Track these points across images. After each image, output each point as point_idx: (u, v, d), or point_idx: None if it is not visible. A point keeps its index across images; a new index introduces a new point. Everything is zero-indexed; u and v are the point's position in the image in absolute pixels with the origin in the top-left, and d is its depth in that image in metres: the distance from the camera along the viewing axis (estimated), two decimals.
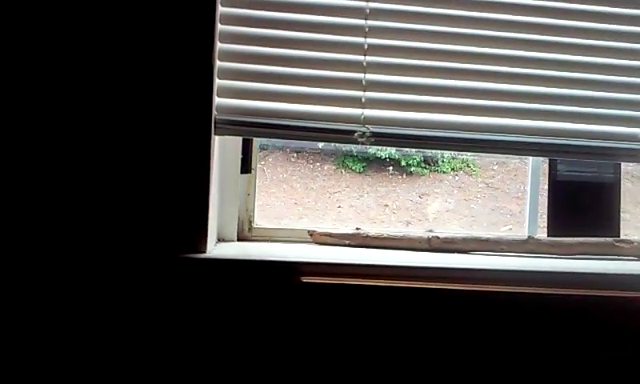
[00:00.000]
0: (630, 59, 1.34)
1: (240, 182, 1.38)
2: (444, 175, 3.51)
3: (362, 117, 1.27)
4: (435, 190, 3.47)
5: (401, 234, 1.39)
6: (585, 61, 1.33)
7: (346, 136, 1.28)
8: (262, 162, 3.43)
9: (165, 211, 1.18)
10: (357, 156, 3.26)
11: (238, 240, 1.37)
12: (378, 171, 3.44)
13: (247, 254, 1.22)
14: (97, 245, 1.17)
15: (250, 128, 1.26)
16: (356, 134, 1.27)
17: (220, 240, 1.35)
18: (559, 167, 1.46)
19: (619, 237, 1.43)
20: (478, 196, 3.49)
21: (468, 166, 3.42)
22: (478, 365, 1.23)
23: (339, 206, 3.33)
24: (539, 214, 1.54)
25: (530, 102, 1.32)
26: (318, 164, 3.48)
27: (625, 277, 1.28)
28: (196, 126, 1.19)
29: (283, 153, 3.46)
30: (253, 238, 1.40)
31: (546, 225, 1.51)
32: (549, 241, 1.38)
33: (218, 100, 1.23)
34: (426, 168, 3.37)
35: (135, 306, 1.17)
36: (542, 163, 1.52)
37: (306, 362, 1.20)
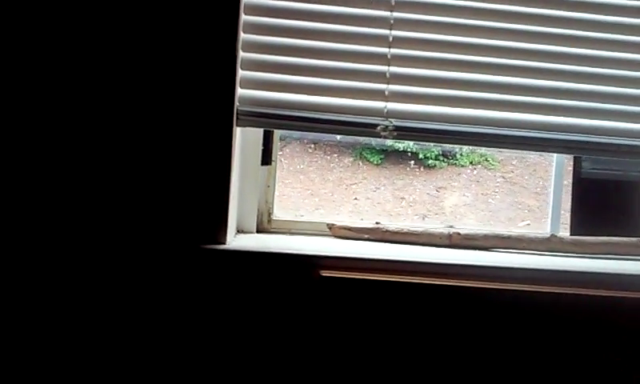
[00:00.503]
0: None
1: (260, 173, 1.37)
2: (462, 168, 3.48)
3: (386, 110, 1.26)
4: (453, 184, 3.45)
5: (421, 230, 1.38)
6: (611, 56, 1.30)
7: (368, 129, 1.27)
8: (280, 153, 3.42)
9: (186, 202, 1.19)
10: (375, 148, 3.25)
11: (257, 232, 1.37)
12: (395, 164, 3.42)
13: (266, 247, 1.22)
14: (119, 235, 1.18)
15: (271, 120, 1.25)
16: (379, 128, 1.26)
17: (239, 231, 1.35)
18: (584, 164, 1.44)
19: None
20: (496, 190, 3.46)
21: (486, 160, 3.39)
22: (499, 363, 1.22)
23: (356, 198, 3.32)
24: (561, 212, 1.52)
25: (556, 98, 1.30)
26: (336, 155, 3.47)
27: None
28: (218, 117, 1.19)
29: (301, 144, 3.46)
30: (272, 229, 1.40)
31: (567, 223, 1.49)
32: (572, 239, 1.36)
33: (240, 91, 1.23)
34: (444, 161, 3.35)
35: (156, 295, 1.18)
36: (566, 160, 1.49)
37: (324, 356, 1.20)
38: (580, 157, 1.43)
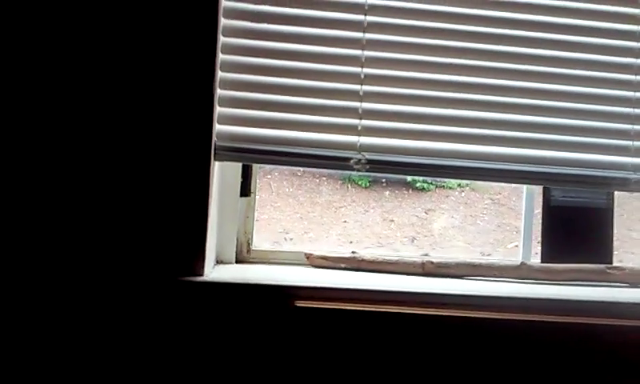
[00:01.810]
0: (620, 90, 1.36)
1: (239, 204, 1.41)
2: (450, 191, 3.53)
3: (358, 144, 1.31)
4: (441, 206, 3.49)
5: (396, 258, 1.42)
6: (576, 91, 1.36)
7: (342, 163, 1.31)
8: (269, 176, 3.48)
9: (164, 234, 1.22)
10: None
11: (237, 262, 1.41)
12: (384, 187, 3.47)
13: (243, 278, 1.25)
14: (95, 266, 1.21)
15: (248, 154, 1.30)
16: (352, 161, 1.31)
17: (218, 262, 1.38)
18: (554, 192, 1.49)
19: (612, 263, 1.44)
20: (484, 212, 3.50)
21: (474, 182, 3.43)
22: None
23: (345, 221, 3.36)
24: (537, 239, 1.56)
25: (524, 131, 1.34)
26: (324, 178, 3.52)
27: (616, 304, 1.29)
28: (196, 153, 1.23)
29: (289, 167, 3.49)
30: (251, 260, 1.44)
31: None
32: (541, 267, 1.40)
33: (218, 127, 1.27)
34: (432, 184, 3.39)
35: (133, 328, 1.21)
36: (537, 189, 1.54)
37: None
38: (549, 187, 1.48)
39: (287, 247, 2.95)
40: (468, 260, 1.41)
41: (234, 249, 1.41)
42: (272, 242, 3.04)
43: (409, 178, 3.27)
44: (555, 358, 1.27)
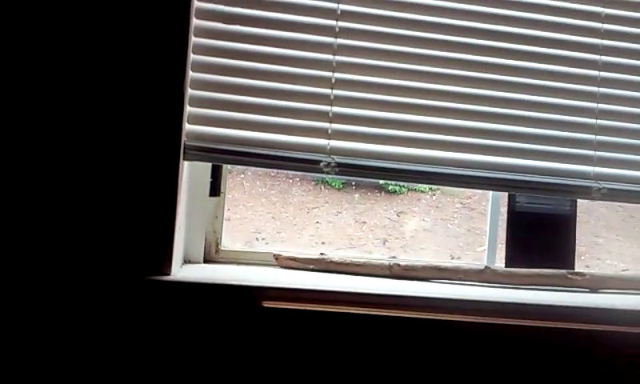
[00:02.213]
0: (584, 101, 1.41)
1: (208, 204, 1.41)
2: (422, 194, 3.57)
3: (328, 147, 1.32)
4: (413, 209, 3.53)
5: (363, 261, 1.44)
6: (542, 101, 1.39)
7: (312, 165, 1.32)
8: (242, 175, 3.47)
9: (132, 233, 1.22)
10: None
11: (205, 262, 1.41)
12: (357, 188, 3.49)
13: (210, 278, 1.26)
14: (63, 265, 1.20)
15: (218, 155, 1.30)
16: (322, 164, 1.32)
17: (186, 262, 1.38)
18: (518, 199, 1.52)
19: (573, 269, 1.49)
20: (455, 216, 3.55)
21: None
22: None
23: (317, 222, 3.37)
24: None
25: (491, 139, 1.38)
26: (298, 179, 3.53)
27: (576, 309, 1.33)
28: (165, 152, 1.23)
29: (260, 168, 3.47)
30: (219, 260, 1.44)
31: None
32: (504, 271, 1.44)
33: (188, 127, 1.27)
34: (404, 187, 3.43)
35: (100, 327, 1.20)
36: (502, 194, 1.58)
37: None
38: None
39: (260, 247, 2.95)
40: (434, 263, 1.44)
41: (203, 248, 1.41)
42: (244, 242, 3.03)
43: (381, 181, 3.30)
44: (516, 360, 1.30)
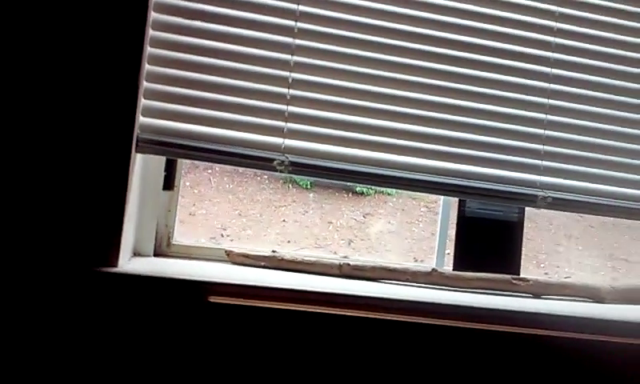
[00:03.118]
0: (533, 111, 1.45)
1: (161, 198, 1.41)
2: (389, 197, 3.61)
3: (283, 146, 1.34)
4: (379, 211, 3.57)
5: (314, 259, 1.45)
6: (492, 109, 1.43)
7: (265, 163, 1.34)
8: (209, 171, 3.46)
9: (80, 224, 1.21)
10: None
11: (155, 255, 1.41)
12: (324, 189, 3.51)
13: (157, 271, 1.26)
14: (8, 252, 1.19)
15: (171, 149, 1.30)
16: (275, 162, 1.33)
17: (136, 255, 1.38)
18: (469, 204, 1.56)
19: (519, 274, 1.53)
20: (420, 220, 3.60)
21: None
22: None
23: (284, 220, 3.38)
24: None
25: (443, 145, 1.41)
26: (266, 177, 3.53)
27: (519, 313, 1.37)
28: (117, 143, 1.23)
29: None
30: (170, 254, 1.44)
31: None
32: (451, 274, 1.47)
33: (142, 119, 1.27)
34: (371, 189, 3.46)
35: (45, 317, 1.20)
36: (454, 199, 1.61)
37: (211, 382, 1.24)
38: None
39: (224, 244, 2.95)
40: (383, 264, 1.46)
41: (153, 242, 1.41)
42: (208, 238, 3.02)
43: (348, 182, 3.32)
44: (460, 361, 1.33)
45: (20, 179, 1.20)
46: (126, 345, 1.22)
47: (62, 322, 1.20)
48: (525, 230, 1.59)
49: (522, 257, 1.57)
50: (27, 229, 1.20)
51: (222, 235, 3.18)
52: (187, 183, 3.15)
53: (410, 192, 3.34)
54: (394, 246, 3.46)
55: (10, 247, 1.19)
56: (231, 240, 3.17)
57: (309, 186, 3.52)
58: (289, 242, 3.30)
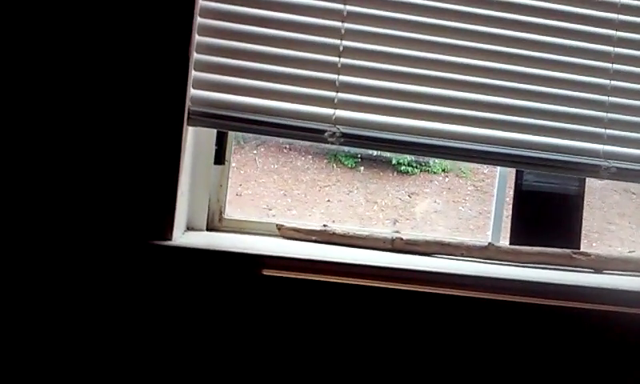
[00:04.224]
0: (596, 77, 1.37)
1: (213, 172, 1.41)
2: (434, 175, 3.54)
3: (334, 117, 1.31)
4: (425, 190, 3.51)
5: (366, 234, 1.43)
6: (553, 75, 1.36)
7: (316, 135, 1.31)
8: (255, 152, 3.47)
9: (135, 198, 1.22)
10: (349, 151, 3.30)
11: (208, 230, 1.41)
12: (369, 168, 3.48)
13: (211, 244, 1.26)
14: (66, 229, 1.21)
15: (222, 121, 1.29)
16: (326, 134, 1.31)
17: (189, 229, 1.39)
18: (526, 177, 1.50)
19: (579, 249, 1.47)
20: (467, 199, 3.52)
21: (459, 168, 3.45)
22: (434, 365, 1.28)
23: (328, 200, 3.37)
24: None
25: (500, 114, 1.35)
26: (310, 157, 3.52)
27: (579, 288, 1.32)
28: (169, 116, 1.23)
29: (276, 144, 3.49)
30: (222, 228, 1.44)
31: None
32: (508, 248, 1.42)
33: (193, 91, 1.27)
34: (416, 168, 3.41)
35: (103, 289, 1.22)
36: (510, 172, 1.56)
37: (263, 354, 1.24)
38: (522, 170, 1.49)
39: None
40: (437, 238, 1.43)
41: (206, 216, 1.41)
42: (255, 218, 3.04)
43: (393, 161, 3.29)
44: (517, 337, 1.29)
45: (78, 155, 1.21)
46: (181, 317, 1.23)
47: (118, 294, 1.22)
48: None
49: None
50: (84, 204, 1.22)
51: (268, 215, 3.20)
52: (233, 164, 3.18)
53: (461, 164, 3.27)
54: (440, 226, 3.40)
55: (68, 222, 1.21)
56: (277, 220, 3.18)
57: (353, 166, 3.49)
58: (333, 221, 3.29)
